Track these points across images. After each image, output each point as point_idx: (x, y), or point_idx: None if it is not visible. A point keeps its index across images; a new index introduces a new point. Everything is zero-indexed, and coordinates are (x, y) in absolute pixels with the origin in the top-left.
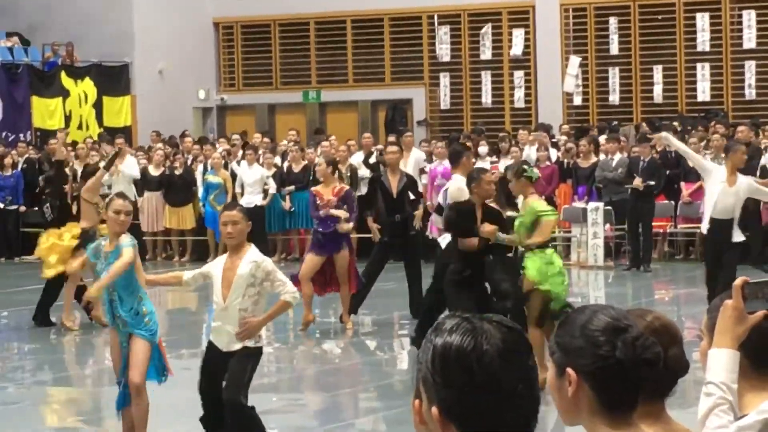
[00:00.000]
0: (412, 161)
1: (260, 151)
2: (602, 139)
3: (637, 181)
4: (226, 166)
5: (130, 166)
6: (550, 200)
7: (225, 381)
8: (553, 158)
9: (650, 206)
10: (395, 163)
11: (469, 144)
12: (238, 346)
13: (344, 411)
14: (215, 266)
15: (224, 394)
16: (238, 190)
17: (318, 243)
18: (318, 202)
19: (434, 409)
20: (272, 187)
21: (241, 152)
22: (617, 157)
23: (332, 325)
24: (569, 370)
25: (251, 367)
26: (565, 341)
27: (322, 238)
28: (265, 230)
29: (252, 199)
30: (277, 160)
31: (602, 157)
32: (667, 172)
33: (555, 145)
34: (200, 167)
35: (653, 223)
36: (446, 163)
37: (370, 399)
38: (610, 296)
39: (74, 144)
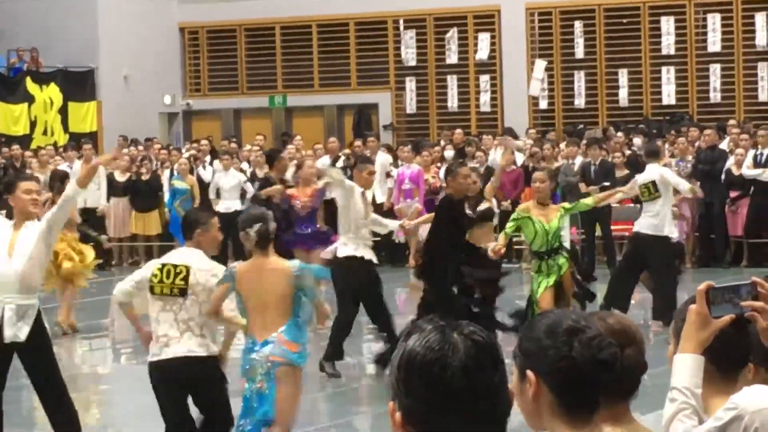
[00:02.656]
0: (377, 165)
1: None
2: (562, 144)
3: (584, 186)
4: (191, 172)
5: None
6: (516, 204)
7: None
8: (519, 162)
9: (606, 210)
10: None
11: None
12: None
13: (320, 415)
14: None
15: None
16: (212, 195)
17: (300, 240)
18: (296, 203)
19: (398, 414)
20: (250, 192)
21: (209, 157)
22: (578, 160)
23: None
24: (529, 372)
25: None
26: (526, 345)
27: (300, 238)
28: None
29: (230, 204)
30: (244, 165)
31: (563, 161)
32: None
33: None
34: (167, 173)
35: (617, 227)
36: (414, 166)
37: (346, 402)
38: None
39: (38, 150)
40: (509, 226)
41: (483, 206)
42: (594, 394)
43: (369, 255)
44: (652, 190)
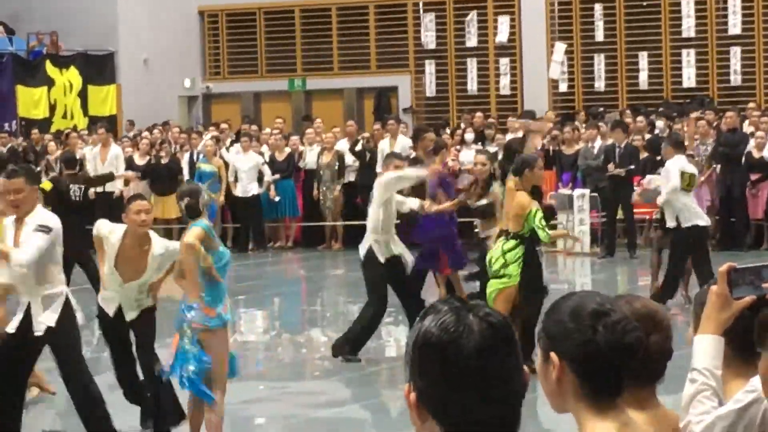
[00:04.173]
0: (398, 148)
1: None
2: (582, 127)
3: (611, 167)
4: (216, 154)
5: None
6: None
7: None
8: (539, 146)
9: (629, 192)
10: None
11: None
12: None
13: (331, 398)
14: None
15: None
16: (231, 178)
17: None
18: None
19: (412, 394)
20: (268, 175)
21: (229, 140)
22: (598, 143)
23: (318, 313)
24: (552, 354)
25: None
26: (550, 327)
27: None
28: (262, 219)
29: (249, 187)
30: (264, 148)
31: (583, 145)
32: (658, 158)
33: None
34: (186, 156)
35: (640, 210)
36: None
37: (355, 386)
38: (596, 283)
39: (59, 133)
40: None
41: (484, 201)
42: (618, 378)
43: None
44: (693, 181)
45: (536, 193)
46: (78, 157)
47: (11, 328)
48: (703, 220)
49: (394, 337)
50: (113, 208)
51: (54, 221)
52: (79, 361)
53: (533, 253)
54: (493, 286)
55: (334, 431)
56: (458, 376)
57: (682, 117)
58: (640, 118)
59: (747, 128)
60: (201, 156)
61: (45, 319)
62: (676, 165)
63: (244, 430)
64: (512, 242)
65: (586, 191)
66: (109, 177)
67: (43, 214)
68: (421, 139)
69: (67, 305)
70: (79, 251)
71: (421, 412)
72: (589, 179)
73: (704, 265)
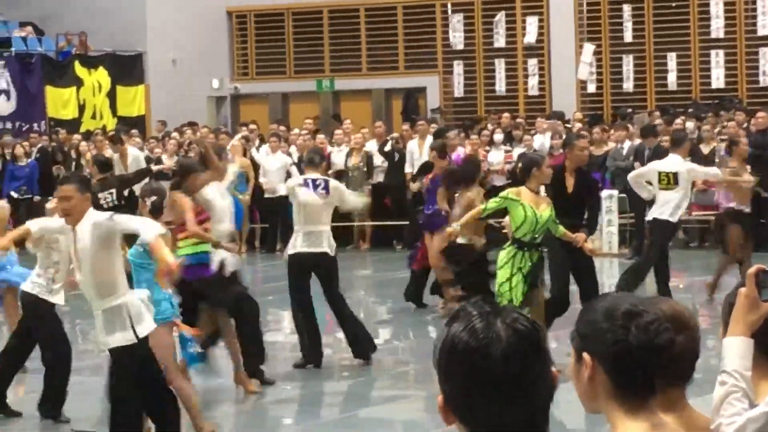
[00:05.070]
0: (426, 149)
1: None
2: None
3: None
4: (244, 153)
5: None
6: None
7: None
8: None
9: None
10: (452, 151)
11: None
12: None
13: (359, 398)
14: None
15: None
16: (262, 179)
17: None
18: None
19: (440, 397)
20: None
21: (258, 141)
22: (627, 145)
23: None
24: (585, 354)
25: None
26: (583, 327)
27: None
28: (290, 219)
29: (276, 188)
30: (292, 149)
31: (612, 145)
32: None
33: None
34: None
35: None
36: (459, 150)
37: (383, 386)
38: None
39: (88, 133)
40: (492, 204)
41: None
42: (649, 379)
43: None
44: (671, 181)
45: (562, 187)
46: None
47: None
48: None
49: (422, 336)
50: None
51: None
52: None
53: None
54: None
55: None
56: (484, 382)
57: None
58: (678, 121)
59: None
60: (228, 156)
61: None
62: (657, 164)
63: (272, 431)
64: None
65: (614, 192)
66: (146, 172)
67: (94, 215)
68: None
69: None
70: None
71: (448, 414)
72: (618, 180)
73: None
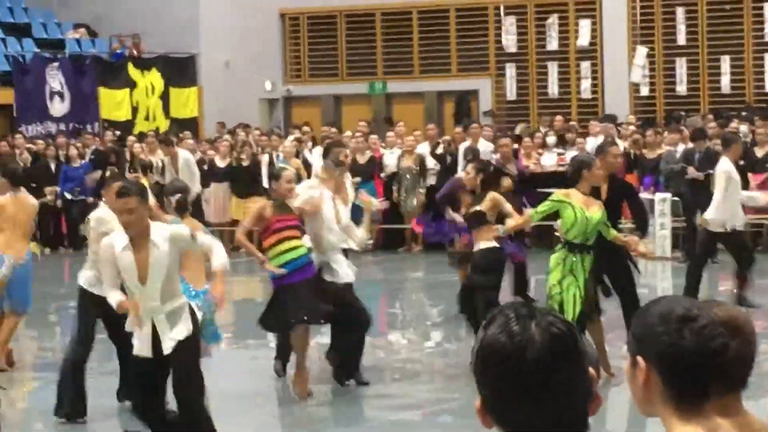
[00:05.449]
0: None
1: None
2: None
3: (692, 171)
4: (297, 155)
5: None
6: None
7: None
8: (620, 149)
9: (708, 197)
10: (510, 154)
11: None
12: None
13: (411, 401)
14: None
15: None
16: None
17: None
18: None
19: (477, 400)
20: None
21: (311, 143)
22: (680, 148)
23: (398, 316)
24: (639, 358)
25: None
26: (638, 330)
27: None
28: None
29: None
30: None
31: (666, 149)
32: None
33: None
34: (265, 158)
35: None
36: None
37: (434, 388)
38: (677, 288)
39: (141, 135)
40: (542, 208)
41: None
42: (703, 384)
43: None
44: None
45: (595, 195)
46: (157, 160)
47: (147, 352)
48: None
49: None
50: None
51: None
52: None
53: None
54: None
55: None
56: (519, 386)
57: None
58: (732, 124)
59: None
60: (281, 157)
61: (175, 335)
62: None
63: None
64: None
65: (668, 195)
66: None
67: (159, 227)
68: (499, 145)
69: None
70: None
71: (486, 417)
72: (671, 183)
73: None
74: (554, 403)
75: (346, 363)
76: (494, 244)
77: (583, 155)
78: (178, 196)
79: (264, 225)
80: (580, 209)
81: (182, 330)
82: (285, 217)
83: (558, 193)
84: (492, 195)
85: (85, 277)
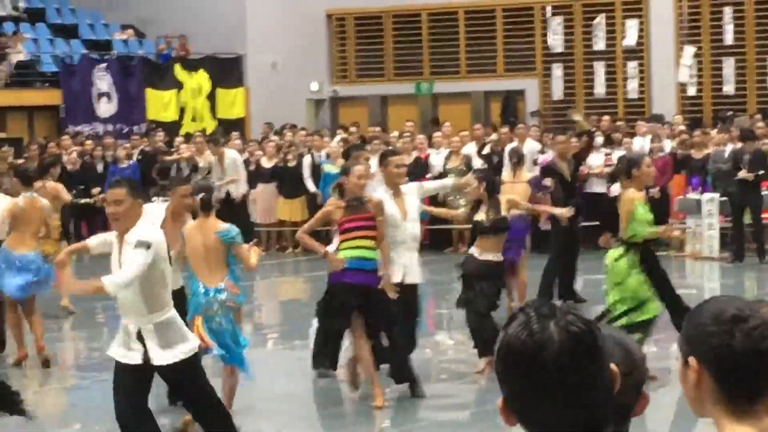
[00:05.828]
0: (526, 153)
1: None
2: (713, 131)
3: (743, 173)
4: (344, 156)
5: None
6: (663, 191)
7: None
8: (667, 149)
9: (757, 197)
10: (566, 151)
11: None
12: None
13: (458, 401)
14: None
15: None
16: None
17: None
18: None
19: (499, 399)
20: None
21: (359, 142)
22: (728, 147)
23: (445, 316)
24: (691, 358)
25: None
26: (690, 330)
27: None
28: None
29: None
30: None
31: (713, 149)
32: None
33: (669, 136)
34: (307, 158)
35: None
36: (548, 154)
37: (482, 389)
38: (725, 288)
39: (188, 136)
40: (641, 216)
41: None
42: (755, 385)
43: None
44: None
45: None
46: (205, 163)
47: (135, 360)
48: None
49: None
50: (236, 211)
51: (155, 235)
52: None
53: (650, 260)
54: (613, 297)
55: None
56: (537, 385)
57: None
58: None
59: None
60: (327, 158)
61: (162, 357)
62: None
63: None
64: (619, 250)
65: (715, 195)
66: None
67: (142, 228)
68: (555, 142)
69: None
70: None
71: (509, 416)
72: (719, 183)
73: None
74: (573, 402)
75: (396, 365)
76: (498, 257)
77: (632, 153)
78: (202, 195)
79: (334, 226)
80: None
81: (181, 349)
82: (355, 217)
83: (629, 194)
84: (506, 198)
85: None
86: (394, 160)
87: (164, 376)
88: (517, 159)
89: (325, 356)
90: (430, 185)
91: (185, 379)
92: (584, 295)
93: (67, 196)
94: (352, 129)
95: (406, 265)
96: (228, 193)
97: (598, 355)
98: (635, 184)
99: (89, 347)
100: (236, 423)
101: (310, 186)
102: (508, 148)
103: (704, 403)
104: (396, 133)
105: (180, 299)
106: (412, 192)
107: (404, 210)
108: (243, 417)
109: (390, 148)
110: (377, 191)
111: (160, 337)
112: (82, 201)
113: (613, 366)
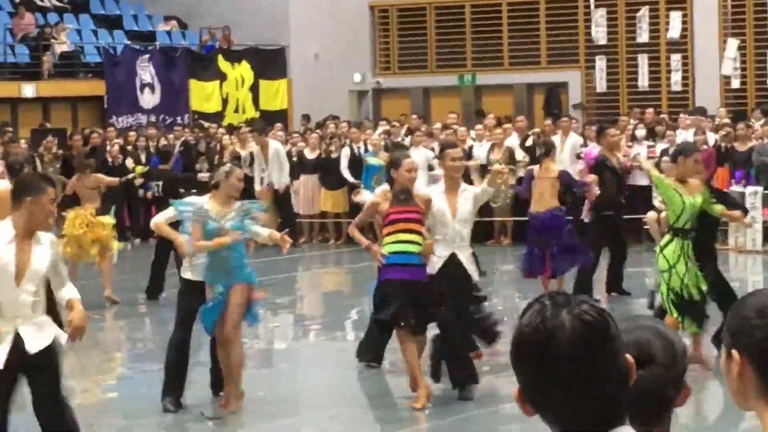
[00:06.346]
0: (569, 146)
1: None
2: (757, 124)
3: None
4: (386, 148)
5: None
6: (707, 185)
7: None
8: (711, 142)
9: None
10: (617, 144)
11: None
12: None
13: (502, 395)
14: None
15: None
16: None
17: None
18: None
19: (515, 389)
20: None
21: (403, 133)
22: None
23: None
24: (734, 351)
25: None
26: (733, 323)
27: None
28: None
29: (419, 181)
30: (435, 144)
31: (757, 141)
32: None
33: (713, 129)
34: (345, 150)
35: None
36: (592, 148)
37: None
38: None
39: (231, 127)
40: (667, 180)
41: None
42: None
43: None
44: None
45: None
46: (247, 153)
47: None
48: None
49: None
50: (279, 202)
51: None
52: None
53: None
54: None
55: (505, 428)
56: (550, 375)
57: None
58: None
59: None
60: (369, 150)
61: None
62: None
63: (412, 425)
64: (667, 237)
65: (759, 189)
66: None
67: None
68: (603, 135)
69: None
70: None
71: (525, 405)
72: (763, 177)
73: None
74: (586, 392)
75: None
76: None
77: (689, 143)
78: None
79: (381, 217)
80: (684, 195)
81: (49, 334)
82: (403, 208)
83: (667, 178)
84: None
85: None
86: (449, 153)
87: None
88: (546, 150)
89: (368, 349)
90: (484, 195)
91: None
92: (628, 288)
93: (111, 179)
94: (394, 124)
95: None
96: (271, 184)
97: (611, 345)
98: (677, 172)
99: (133, 338)
100: (278, 412)
101: (348, 177)
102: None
103: (747, 396)
104: (438, 125)
105: None
106: (469, 197)
107: (454, 208)
108: (285, 406)
109: (449, 140)
110: (437, 185)
111: (38, 331)
112: (131, 175)
113: (628, 357)
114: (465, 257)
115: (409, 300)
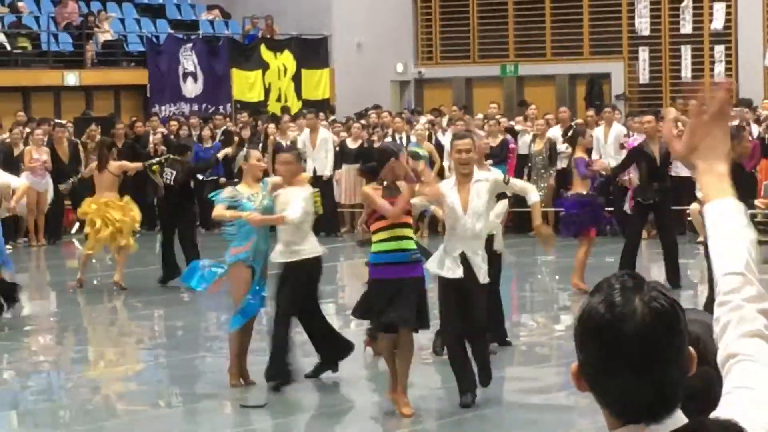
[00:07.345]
0: (612, 136)
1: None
2: None
3: None
4: (430, 138)
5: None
6: (751, 176)
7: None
8: (755, 134)
9: None
10: (654, 132)
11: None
12: None
13: (540, 384)
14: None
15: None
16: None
17: None
18: None
19: (574, 364)
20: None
21: (445, 123)
22: None
23: (528, 299)
24: None
25: None
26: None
27: None
28: None
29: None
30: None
31: None
32: None
33: (757, 120)
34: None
35: None
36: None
37: (564, 372)
38: None
39: (274, 116)
40: None
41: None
42: None
43: None
44: None
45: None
46: (287, 142)
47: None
48: None
49: None
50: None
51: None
52: None
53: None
54: None
55: (542, 418)
56: (615, 358)
57: None
58: None
59: None
60: (413, 140)
61: None
62: None
63: (450, 415)
64: None
65: None
66: (211, 163)
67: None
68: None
69: None
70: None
71: (581, 382)
72: None
73: None
74: (648, 377)
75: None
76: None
77: (732, 126)
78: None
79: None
80: None
81: None
82: (392, 200)
83: None
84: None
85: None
86: (456, 144)
87: None
88: (573, 136)
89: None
90: (516, 183)
91: None
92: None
93: (136, 164)
94: (435, 112)
95: (458, 261)
96: (314, 171)
97: (679, 336)
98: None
99: (169, 325)
100: (318, 401)
101: None
102: (595, 132)
103: None
104: (481, 116)
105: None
106: (482, 189)
107: (466, 201)
108: (324, 396)
109: (463, 129)
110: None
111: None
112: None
113: (691, 349)
114: (476, 256)
115: (408, 300)
